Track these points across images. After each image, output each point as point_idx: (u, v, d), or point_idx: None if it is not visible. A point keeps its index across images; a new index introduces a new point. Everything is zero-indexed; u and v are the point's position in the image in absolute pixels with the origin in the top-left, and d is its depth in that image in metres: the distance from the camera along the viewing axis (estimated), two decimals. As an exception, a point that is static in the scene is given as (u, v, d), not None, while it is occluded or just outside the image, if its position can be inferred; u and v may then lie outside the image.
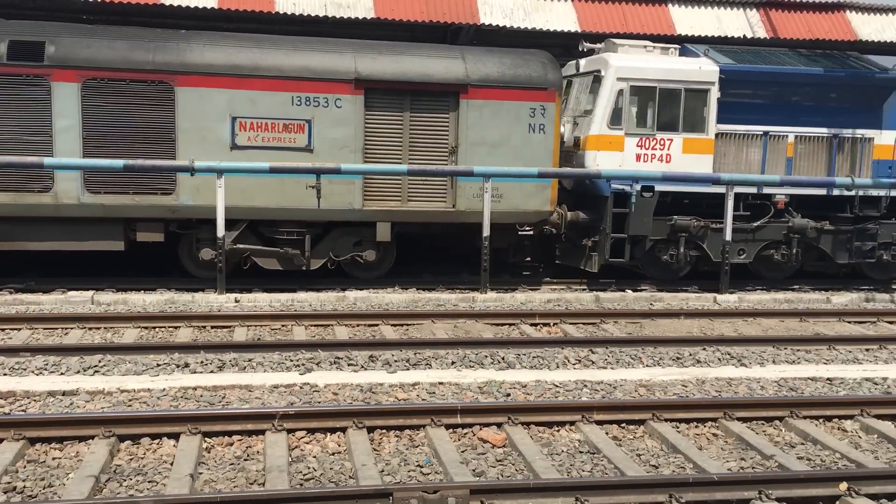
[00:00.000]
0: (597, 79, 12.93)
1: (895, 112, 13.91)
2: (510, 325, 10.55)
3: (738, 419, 6.88)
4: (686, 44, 13.86)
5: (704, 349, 9.26)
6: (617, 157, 12.84)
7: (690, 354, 9.03)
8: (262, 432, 6.23)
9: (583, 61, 13.54)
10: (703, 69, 12.98)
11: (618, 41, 13.36)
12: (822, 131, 13.64)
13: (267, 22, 14.30)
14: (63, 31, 11.48)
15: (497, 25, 14.31)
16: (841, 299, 12.68)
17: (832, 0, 15.47)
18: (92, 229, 11.60)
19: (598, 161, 12.80)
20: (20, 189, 11.27)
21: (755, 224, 13.36)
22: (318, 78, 11.80)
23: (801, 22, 15.28)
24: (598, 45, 13.51)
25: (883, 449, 6.51)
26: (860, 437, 6.79)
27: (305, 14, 13.80)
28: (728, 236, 12.70)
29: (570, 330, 10.29)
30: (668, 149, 12.95)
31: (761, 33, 14.94)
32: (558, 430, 6.63)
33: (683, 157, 12.98)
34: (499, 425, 6.57)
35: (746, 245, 13.47)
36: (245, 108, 11.66)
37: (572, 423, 6.70)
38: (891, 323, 11.29)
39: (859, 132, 13.81)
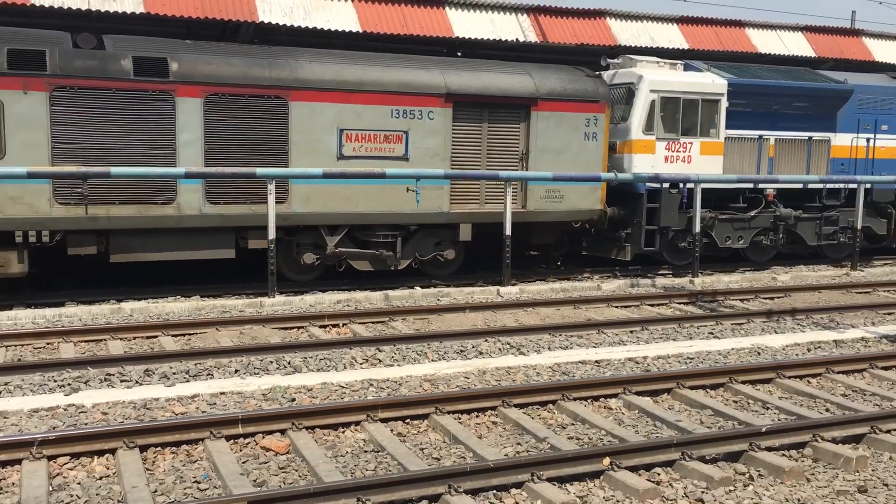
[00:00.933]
0: (630, 91, 14.64)
1: (846, 118, 16.56)
2: (299, 328, 10.41)
3: (516, 406, 7.21)
4: (689, 60, 15.90)
5: (486, 340, 9.63)
6: (650, 159, 14.65)
7: (473, 346, 9.35)
8: (19, 461, 5.70)
9: (607, 74, 15.12)
10: (716, 82, 15.03)
11: (635, 57, 15.13)
12: (795, 135, 16.17)
13: (23, 15, 13.13)
14: (182, 49, 11.94)
15: (277, 24, 14.05)
16: (610, 286, 13.67)
17: (594, 8, 16.61)
18: (208, 238, 12.10)
19: (635, 163, 14.55)
20: (146, 202, 11.55)
21: (751, 214, 15.66)
22: (414, 92, 12.86)
23: (567, 27, 16.28)
24: (616, 61, 15.32)
25: (642, 423, 7.08)
26: (623, 414, 7.34)
27: (66, 7, 12.82)
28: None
29: (360, 330, 10.32)
30: (689, 151, 14.96)
31: (532, 37, 15.75)
32: (343, 432, 6.62)
33: (701, 158, 15.06)
34: (282, 432, 6.44)
35: (743, 232, 15.73)
36: (350, 120, 12.53)
37: (357, 423, 6.71)
38: (651, 306, 12.32)
39: (819, 135, 16.41)
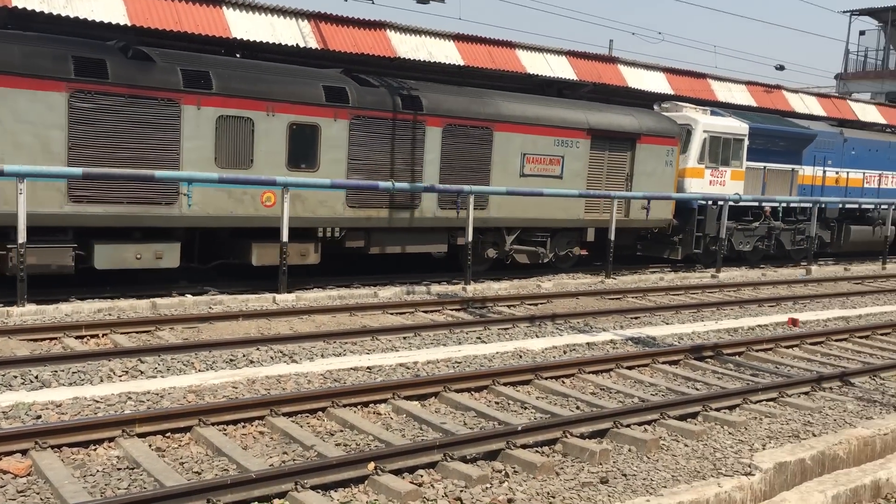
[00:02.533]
0: (688, 131, 19.52)
1: (808, 155, 22.69)
2: (52, 339, 9.63)
3: (284, 414, 7.13)
4: (715, 108, 20.95)
5: (258, 349, 9.44)
6: (701, 183, 19.78)
7: (244, 355, 9.13)
8: None
9: (667, 116, 19.54)
10: (742, 126, 20.27)
11: (681, 104, 20.14)
12: (780, 166, 21.87)
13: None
14: (427, 89, 15.45)
15: (33, 10, 12.93)
16: (386, 293, 13.90)
17: (375, 19, 16.84)
18: (434, 236, 15.61)
19: (692, 185, 19.62)
20: (398, 207, 14.86)
21: (755, 225, 21.19)
22: (569, 127, 17.00)
23: (348, 36, 16.37)
24: (666, 105, 20.20)
25: (410, 427, 7.25)
26: (392, 419, 7.49)
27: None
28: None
29: (122, 340, 9.73)
30: (724, 177, 20.10)
31: (313, 43, 15.68)
32: (95, 449, 6.20)
33: (731, 183, 20.25)
34: (24, 452, 5.92)
35: (750, 239, 21.16)
36: (529, 147, 16.45)
37: (111, 439, 6.32)
38: (426, 312, 12.67)
39: (794, 167, 22.32)
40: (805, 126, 22.67)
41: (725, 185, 20.12)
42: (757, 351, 10.85)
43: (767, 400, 8.56)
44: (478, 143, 15.75)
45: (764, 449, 7.00)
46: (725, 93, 23.07)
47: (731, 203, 19.44)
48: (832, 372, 9.72)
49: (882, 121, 28.19)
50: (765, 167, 21.38)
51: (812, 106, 25.74)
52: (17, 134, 11.31)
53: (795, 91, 25.60)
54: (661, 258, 20.30)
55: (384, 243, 15.02)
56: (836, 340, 11.92)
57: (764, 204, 21.03)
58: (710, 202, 19.52)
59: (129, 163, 12.16)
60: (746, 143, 20.30)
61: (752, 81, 24.16)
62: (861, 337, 12.27)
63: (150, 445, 6.33)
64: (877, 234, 24.06)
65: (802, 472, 6.68)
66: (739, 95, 23.52)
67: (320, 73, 14.46)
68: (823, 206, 22.10)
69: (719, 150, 19.93)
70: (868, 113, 28.16)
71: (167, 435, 6.57)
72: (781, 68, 26.34)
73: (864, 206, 23.97)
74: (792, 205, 21.85)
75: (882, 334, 12.57)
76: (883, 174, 25.20)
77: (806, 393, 8.94)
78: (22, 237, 10.89)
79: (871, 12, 37.18)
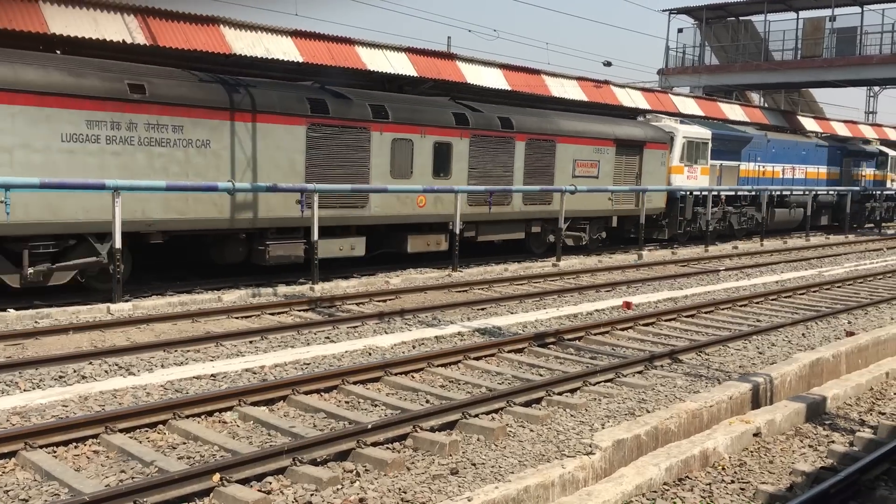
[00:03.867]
0: (672, 137, 24.60)
1: (745, 153, 28.70)
2: None
3: (121, 430, 6.77)
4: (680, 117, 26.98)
5: (91, 363, 8.92)
6: (682, 178, 25.10)
7: (75, 371, 8.60)
8: None
9: (648, 124, 24.95)
10: (707, 132, 25.98)
11: (659, 115, 26.23)
12: (729, 163, 27.42)
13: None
14: (513, 112, 19.97)
15: None
16: (231, 297, 13.48)
17: (208, 15, 16.26)
18: (518, 226, 20.15)
19: (676, 180, 24.80)
20: (497, 203, 19.06)
21: (714, 209, 26.39)
22: (602, 138, 21.86)
23: (179, 31, 15.72)
24: (649, 116, 26.18)
25: (257, 433, 7.08)
26: (238, 426, 7.28)
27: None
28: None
29: (-67, 363, 8.89)
30: (697, 173, 25.60)
31: (141, 39, 14.94)
32: None
33: (701, 177, 25.76)
34: None
35: (712, 220, 26.31)
36: (578, 154, 21.20)
37: (-77, 472, 5.77)
38: (272, 314, 12.40)
39: (737, 163, 28.17)
40: (744, 131, 29.19)
41: (697, 179, 25.69)
42: (595, 335, 11.38)
43: (605, 381, 8.99)
44: (546, 153, 20.29)
45: (603, 428, 7.35)
46: (559, 88, 23.99)
47: (699, 193, 25.39)
48: (662, 351, 10.34)
49: (700, 113, 30.26)
50: (720, 164, 26.88)
51: (637, 100, 27.23)
52: (275, 157, 14.92)
53: (622, 86, 26.98)
54: (650, 238, 25.03)
55: (487, 233, 19.38)
56: (666, 321, 12.69)
57: (722, 193, 26.99)
58: (688, 192, 25.11)
59: (340, 177, 15.85)
60: (710, 145, 25.96)
61: (583, 77, 25.24)
62: (688, 316, 13.13)
63: (-32, 476, 5.84)
64: (792, 215, 30.95)
65: (638, 447, 7.06)
66: (572, 90, 24.51)
67: (445, 102, 19.03)
68: (756, 192, 28.47)
69: (694, 152, 25.42)
70: (688, 106, 30.14)
71: (-11, 463, 6.08)
72: (609, 64, 27.75)
73: (783, 192, 30.53)
74: (739, 193, 28.03)
75: (706, 313, 13.50)
76: (793, 167, 32.06)
77: (640, 372, 9.46)
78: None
79: (687, 11, 39.75)
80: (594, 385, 8.77)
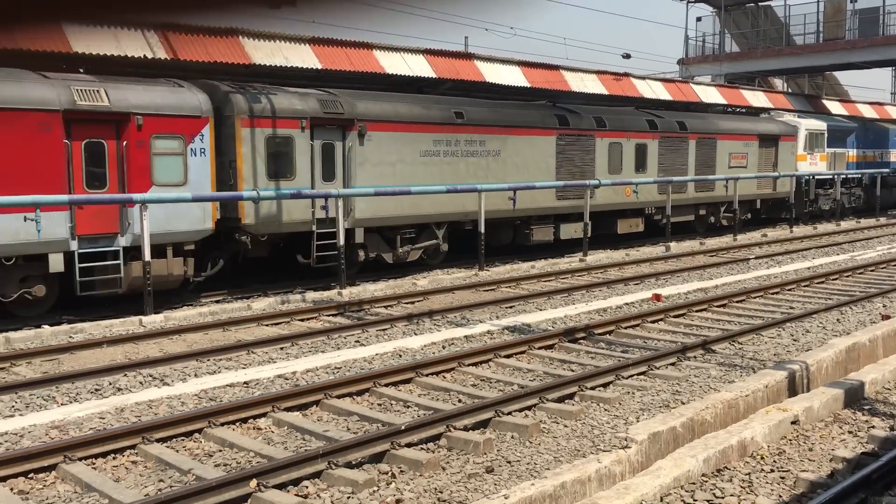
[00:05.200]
0: (797, 130, 28.41)
1: (849, 141, 31.69)
2: None
3: (158, 440, 6.84)
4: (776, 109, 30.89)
5: (126, 375, 9.01)
6: (805, 165, 28.62)
7: (111, 383, 8.69)
8: None
9: (772, 119, 28.79)
10: (822, 124, 30.20)
11: (780, 111, 29.58)
12: (837, 150, 31.27)
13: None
14: (686, 116, 24.41)
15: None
16: (260, 304, 13.57)
17: (224, 26, 16.38)
18: (689, 210, 24.12)
19: (801, 167, 28.29)
20: (675, 193, 22.94)
21: (830, 191, 30.12)
22: (748, 134, 26.07)
23: (199, 44, 15.86)
24: (772, 114, 29.35)
25: (292, 438, 7.11)
26: (273, 432, 7.31)
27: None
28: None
29: (-28, 380, 9.04)
30: (817, 160, 29.33)
31: (161, 54, 15.10)
32: (-51, 501, 5.75)
33: (820, 163, 29.71)
34: None
35: (827, 201, 30.18)
36: (732, 149, 25.29)
37: (-34, 488, 5.87)
38: (302, 321, 12.46)
39: (843, 150, 31.35)
40: (846, 122, 32.50)
41: (817, 165, 29.19)
42: (625, 328, 11.30)
43: (638, 374, 8.92)
44: (710, 148, 24.42)
45: (638, 421, 7.29)
46: (578, 82, 23.88)
47: (821, 177, 29.02)
48: (695, 342, 10.25)
49: (723, 101, 29.96)
50: (833, 151, 30.21)
51: (658, 91, 27.01)
52: (538, 161, 19.37)
53: (643, 78, 26.79)
54: (779, 218, 28.16)
55: (673, 216, 22.54)
56: (697, 311, 12.57)
57: (839, 176, 30.19)
58: (811, 177, 28.85)
59: (576, 173, 20.20)
60: (826, 136, 29.39)
61: (602, 70, 25.09)
62: (719, 306, 12.99)
63: (11, 489, 5.93)
64: (894, 193, 35.32)
65: (675, 439, 7.00)
66: (591, 84, 24.39)
67: (634, 111, 22.87)
68: (865, 175, 32.35)
69: (813, 142, 28.82)
70: (710, 95, 29.84)
71: (30, 476, 6.17)
72: (628, 56, 27.59)
73: (885, 174, 33.95)
74: (850, 176, 31.45)
75: (738, 302, 13.35)
76: (888, 151, 35.85)
77: (673, 364, 9.38)
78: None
79: (705, -1, 39.39)
80: (627, 378, 8.71)
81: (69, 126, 12.32)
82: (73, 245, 12.27)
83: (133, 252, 12.88)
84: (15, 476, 6.10)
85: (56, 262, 12.13)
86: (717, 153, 24.66)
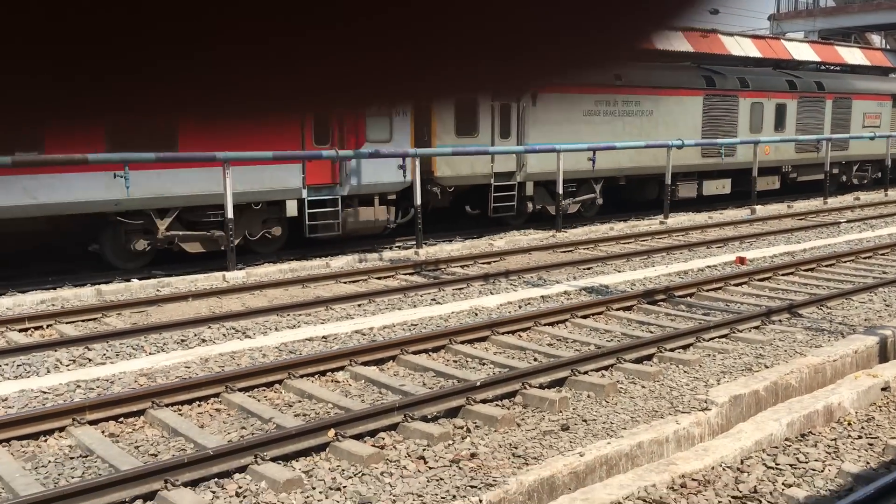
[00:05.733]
0: None
1: None
2: (-7, 334, 9.33)
3: (240, 390, 7.03)
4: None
5: (210, 328, 9.27)
6: None
7: (196, 335, 8.97)
8: None
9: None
10: None
11: None
12: None
13: None
14: (823, 76, 25.12)
15: None
16: (338, 263, 13.76)
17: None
18: (820, 169, 23.12)
19: None
20: (809, 151, 23.60)
21: None
22: (881, 94, 26.15)
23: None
24: None
25: (369, 392, 7.21)
26: (350, 385, 7.43)
27: None
28: None
29: (67, 329, 9.46)
30: None
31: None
32: (46, 440, 6.04)
33: None
34: (-30, 450, 5.74)
35: None
36: (866, 108, 25.49)
37: (62, 428, 6.16)
38: (379, 279, 12.58)
39: None
40: None
41: None
42: (707, 291, 11.02)
43: (719, 337, 8.70)
44: (845, 108, 24.75)
45: (718, 384, 7.12)
46: (663, 40, 23.16)
47: None
48: (780, 305, 9.92)
49: (816, 58, 28.62)
50: None
51: (747, 48, 25.98)
52: (686, 120, 20.27)
53: (731, 34, 25.81)
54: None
55: (803, 174, 23.64)
56: (783, 275, 12.16)
57: None
58: None
59: (720, 133, 21.06)
60: None
61: (689, 27, 24.27)
62: (807, 270, 12.54)
63: (102, 432, 6.19)
64: None
65: (757, 402, 6.81)
66: (676, 42, 23.59)
67: (773, 72, 23.52)
68: None
69: None
70: (802, 52, 28.54)
71: (120, 420, 6.43)
72: (716, 12, 26.46)
73: None
74: None
75: (827, 266, 12.86)
76: None
77: (756, 327, 9.11)
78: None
79: (799, -48, 37.57)
80: (708, 341, 8.50)
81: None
82: (304, 193, 14.20)
83: (347, 201, 14.83)
84: (106, 420, 6.36)
85: (291, 208, 14.14)
86: (851, 113, 25.03)
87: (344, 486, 5.25)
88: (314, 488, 5.22)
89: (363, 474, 5.43)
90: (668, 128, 19.91)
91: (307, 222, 14.25)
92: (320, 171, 14.38)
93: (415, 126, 15.65)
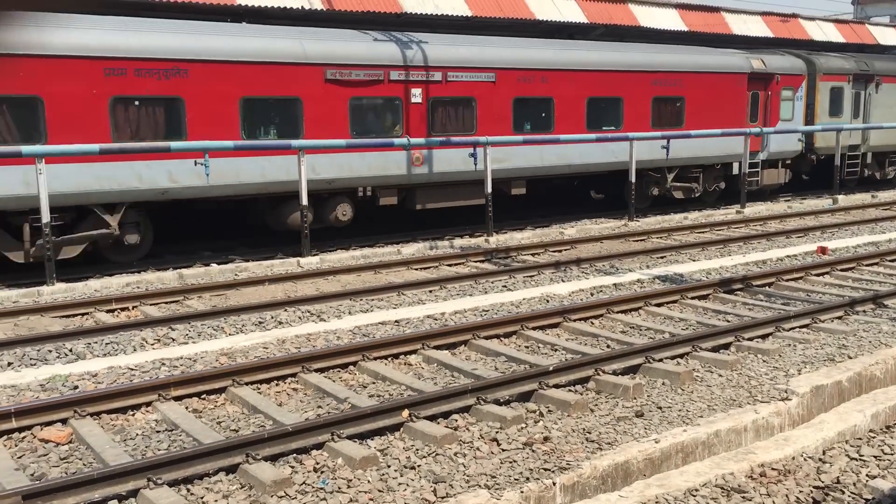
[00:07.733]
0: None
1: None
2: (83, 314, 9.73)
3: (316, 370, 7.17)
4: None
5: (286, 311, 9.48)
6: None
7: (273, 317, 9.18)
8: None
9: None
10: None
11: None
12: None
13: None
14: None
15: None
16: (409, 249, 13.88)
17: (378, -25, 16.58)
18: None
19: None
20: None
21: None
22: None
23: (353, -5, 16.15)
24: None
25: (441, 375, 7.27)
26: (423, 368, 7.50)
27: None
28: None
29: (151, 311, 9.81)
30: None
31: (318, 5, 15.48)
32: (133, 415, 6.29)
33: None
34: (64, 421, 6.02)
35: None
36: None
37: (148, 403, 6.40)
38: (449, 266, 12.65)
39: None
40: None
41: None
42: (787, 280, 10.73)
43: (800, 327, 8.47)
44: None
45: (799, 374, 6.94)
46: (741, 25, 22.56)
47: None
48: (864, 296, 9.59)
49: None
50: None
51: (830, 33, 25.13)
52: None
53: (812, 18, 24.99)
54: None
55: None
56: (867, 265, 11.75)
57: None
58: None
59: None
60: None
61: (768, 12, 23.59)
62: (892, 260, 12.09)
63: (186, 408, 6.40)
64: None
65: (840, 393, 6.62)
66: (755, 27, 22.98)
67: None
68: None
69: None
70: (888, 36, 27.45)
71: (202, 397, 6.64)
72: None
73: None
74: None
75: (914, 257, 12.37)
76: None
77: (839, 317, 8.84)
78: (46, 217, 10.96)
79: (887, -68, 36.06)
80: (788, 331, 8.29)
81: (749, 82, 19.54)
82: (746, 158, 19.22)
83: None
84: (190, 396, 6.58)
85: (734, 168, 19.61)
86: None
87: (418, 465, 5.32)
88: (389, 466, 5.30)
89: (437, 454, 5.49)
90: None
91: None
92: (754, 141, 19.43)
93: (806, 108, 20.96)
